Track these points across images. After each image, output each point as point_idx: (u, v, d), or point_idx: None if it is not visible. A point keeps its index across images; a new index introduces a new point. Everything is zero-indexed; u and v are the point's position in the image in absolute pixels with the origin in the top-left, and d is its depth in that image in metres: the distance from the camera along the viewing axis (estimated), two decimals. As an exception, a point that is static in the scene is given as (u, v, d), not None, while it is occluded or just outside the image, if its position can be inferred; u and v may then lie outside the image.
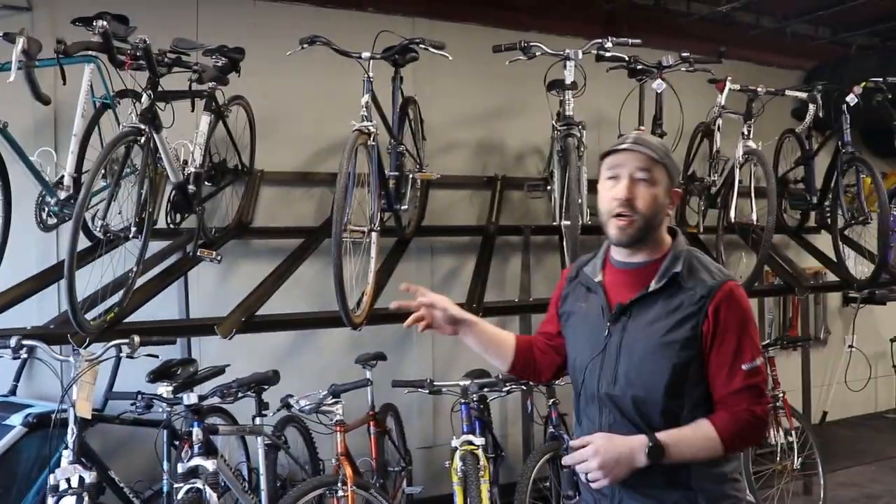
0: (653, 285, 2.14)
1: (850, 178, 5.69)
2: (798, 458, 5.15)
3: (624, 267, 2.22)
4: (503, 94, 5.89)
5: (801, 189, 6.33)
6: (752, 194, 5.01)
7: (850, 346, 7.88)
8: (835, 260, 5.84)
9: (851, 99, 5.38)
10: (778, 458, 5.15)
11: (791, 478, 5.17)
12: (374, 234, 4.07)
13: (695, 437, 2.07)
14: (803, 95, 5.29)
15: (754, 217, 4.99)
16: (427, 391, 4.10)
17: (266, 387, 4.19)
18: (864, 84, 5.42)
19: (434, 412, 5.51)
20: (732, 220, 5.09)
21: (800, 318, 7.18)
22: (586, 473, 2.06)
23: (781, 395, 5.18)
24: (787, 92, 5.33)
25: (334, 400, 3.84)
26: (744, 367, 2.08)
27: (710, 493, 2.12)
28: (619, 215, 2.12)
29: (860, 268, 6.27)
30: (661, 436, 2.05)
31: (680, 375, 2.09)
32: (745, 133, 5.00)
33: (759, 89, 5.09)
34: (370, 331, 4.81)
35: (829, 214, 5.99)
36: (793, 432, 5.18)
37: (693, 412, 2.10)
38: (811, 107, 5.21)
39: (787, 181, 6.38)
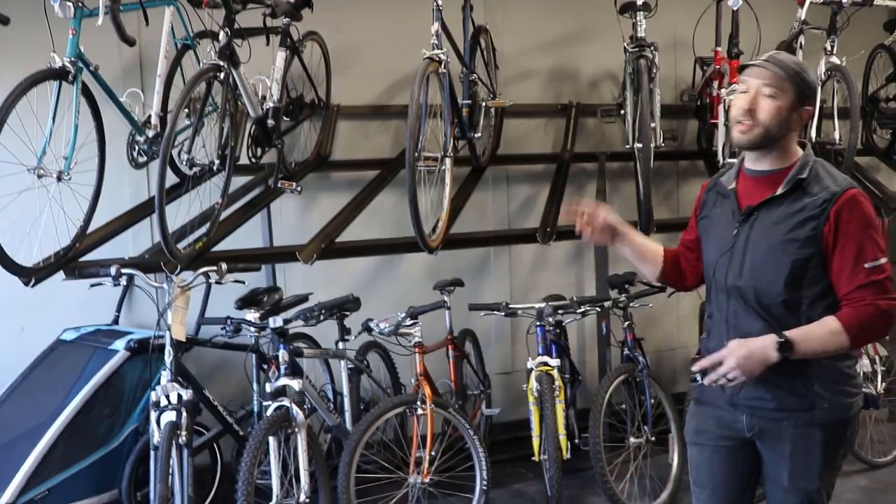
0: (780, 190, 2.35)
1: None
2: (882, 384, 5.06)
3: (755, 175, 2.45)
4: (576, 20, 5.81)
5: (892, 108, 6.07)
6: (836, 113, 4.87)
7: (946, 271, 7.60)
8: (927, 181, 5.63)
9: (950, 8, 5.11)
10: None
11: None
12: (447, 161, 4.13)
13: (822, 332, 2.27)
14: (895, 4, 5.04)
15: (837, 136, 4.85)
16: (503, 314, 4.21)
17: (348, 313, 4.38)
18: (963, -8, 5.13)
19: (512, 339, 5.62)
20: (814, 140, 4.94)
21: (889, 243, 6.96)
22: (724, 376, 2.25)
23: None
24: (877, 1, 5.07)
25: (412, 322, 3.99)
26: (867, 265, 2.26)
27: (825, 382, 2.34)
28: (740, 122, 2.36)
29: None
30: (790, 333, 2.26)
31: (800, 271, 2.31)
32: (828, 49, 4.81)
33: (843, 0, 4.88)
34: (448, 257, 4.94)
35: (922, 134, 5.74)
36: (877, 358, 5.08)
37: (812, 306, 2.33)
38: (903, 16, 4.97)
39: (877, 100, 6.12)
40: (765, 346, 2.25)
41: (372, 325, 4.10)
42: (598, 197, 4.94)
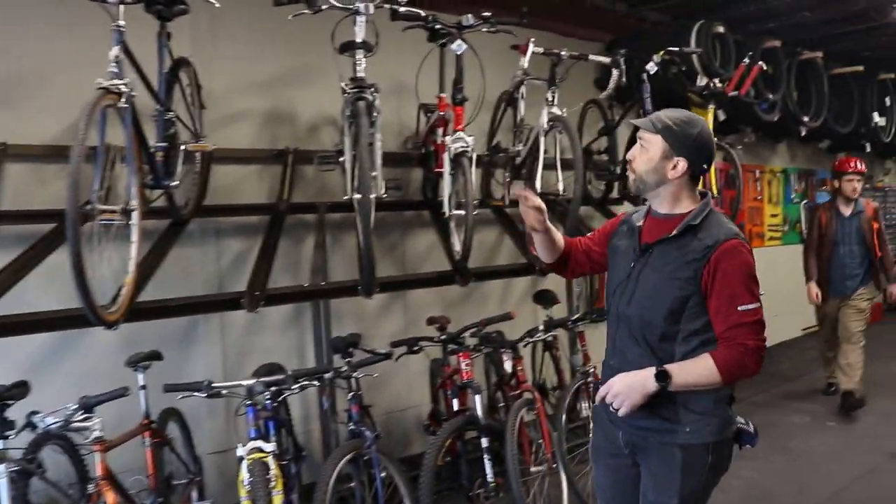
0: (673, 232, 2.62)
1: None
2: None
3: (658, 217, 2.73)
4: (294, 59, 5.37)
5: (604, 159, 6.29)
6: (559, 164, 4.84)
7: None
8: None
9: (651, 67, 5.40)
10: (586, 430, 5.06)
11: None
12: (134, 215, 3.42)
13: (696, 367, 2.54)
14: (607, 61, 5.17)
15: (560, 187, 4.82)
16: (205, 395, 3.55)
17: (10, 402, 3.50)
18: (661, 53, 5.42)
19: (227, 413, 4.92)
20: (538, 191, 4.86)
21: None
22: (611, 404, 2.59)
23: (592, 369, 5.07)
24: (591, 57, 5.18)
25: (86, 415, 3.24)
26: (740, 308, 2.51)
27: (689, 407, 2.60)
28: (629, 171, 2.73)
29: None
30: (668, 366, 2.54)
31: (679, 306, 2.57)
32: (550, 99, 4.79)
33: (562, 53, 4.90)
34: (148, 324, 4.20)
35: (631, 185, 5.95)
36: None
37: (687, 340, 2.59)
38: (614, 72, 5.08)
39: (590, 152, 6.32)
40: (644, 377, 2.54)
41: (36, 420, 3.26)
42: (318, 251, 4.48)
